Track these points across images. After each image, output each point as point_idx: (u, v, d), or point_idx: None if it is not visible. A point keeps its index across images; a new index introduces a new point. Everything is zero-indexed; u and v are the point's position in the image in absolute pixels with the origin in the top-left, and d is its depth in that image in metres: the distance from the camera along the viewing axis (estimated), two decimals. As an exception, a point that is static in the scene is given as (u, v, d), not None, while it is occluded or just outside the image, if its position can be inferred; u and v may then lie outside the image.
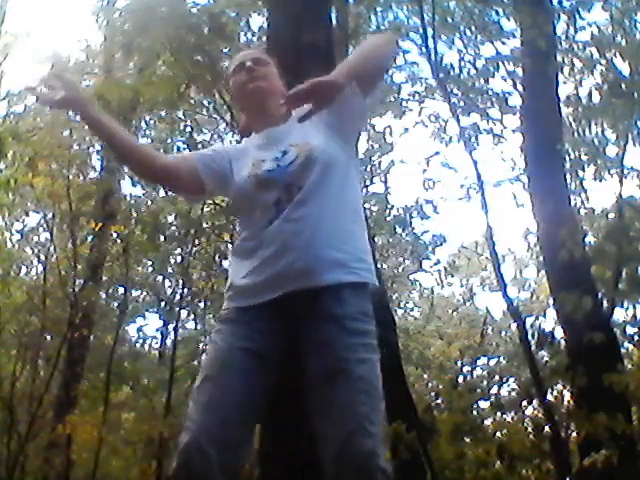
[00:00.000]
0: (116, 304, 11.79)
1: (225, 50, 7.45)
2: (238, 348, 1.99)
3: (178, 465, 1.87)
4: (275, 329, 2.02)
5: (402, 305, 14.24)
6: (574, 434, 6.62)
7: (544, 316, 11.00)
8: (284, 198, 2.05)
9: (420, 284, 12.83)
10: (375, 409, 1.91)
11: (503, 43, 8.01)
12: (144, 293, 12.32)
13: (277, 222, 2.03)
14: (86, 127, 2.21)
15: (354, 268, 2.03)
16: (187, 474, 1.86)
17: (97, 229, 10.08)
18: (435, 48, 6.36)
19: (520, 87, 7.41)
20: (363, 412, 1.87)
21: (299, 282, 1.98)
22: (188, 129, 9.68)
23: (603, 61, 7.63)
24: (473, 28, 8.16)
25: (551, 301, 7.25)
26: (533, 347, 6.25)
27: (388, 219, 8.60)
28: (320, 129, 2.14)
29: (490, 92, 7.77)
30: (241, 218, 2.22)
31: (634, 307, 6.98)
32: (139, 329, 12.94)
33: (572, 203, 7.11)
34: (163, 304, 11.90)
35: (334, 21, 5.50)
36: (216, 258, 10.50)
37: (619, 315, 6.95)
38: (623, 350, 6.85)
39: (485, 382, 11.59)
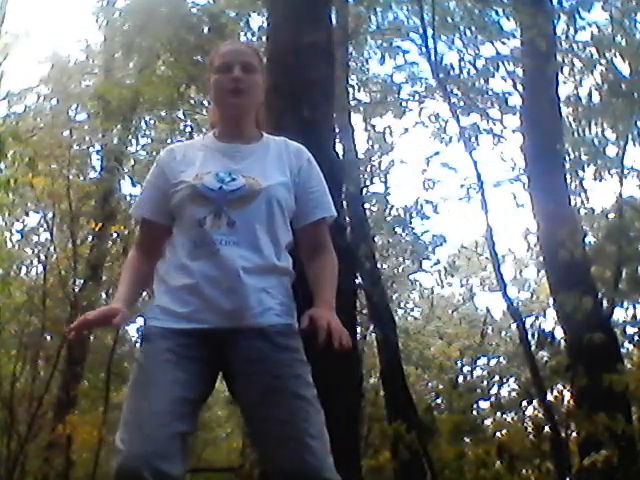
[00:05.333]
0: (116, 304, 11.76)
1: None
2: (163, 361, 1.93)
3: None
4: (199, 357, 1.96)
5: (402, 305, 14.20)
6: (574, 434, 6.63)
7: (544, 316, 11.01)
8: (211, 221, 1.99)
9: (420, 284, 12.78)
10: (314, 422, 1.90)
11: (503, 43, 8.02)
12: (144, 293, 12.30)
13: (204, 249, 1.98)
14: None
15: (281, 311, 2.01)
16: None
17: (97, 229, 10.08)
18: (435, 48, 6.37)
19: (520, 87, 7.42)
20: (302, 428, 1.87)
21: (231, 321, 1.96)
22: (188, 129, 9.69)
23: (603, 61, 7.63)
24: (473, 28, 8.15)
25: (551, 301, 7.25)
26: (533, 347, 6.25)
27: (388, 219, 8.59)
28: (283, 173, 2.09)
29: (490, 92, 7.77)
30: (175, 225, 2.11)
31: (634, 307, 6.99)
32: (139, 329, 12.95)
33: (572, 203, 7.11)
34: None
35: (334, 21, 5.50)
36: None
37: (619, 315, 6.96)
38: (623, 350, 6.85)
39: (485, 382, 11.59)
